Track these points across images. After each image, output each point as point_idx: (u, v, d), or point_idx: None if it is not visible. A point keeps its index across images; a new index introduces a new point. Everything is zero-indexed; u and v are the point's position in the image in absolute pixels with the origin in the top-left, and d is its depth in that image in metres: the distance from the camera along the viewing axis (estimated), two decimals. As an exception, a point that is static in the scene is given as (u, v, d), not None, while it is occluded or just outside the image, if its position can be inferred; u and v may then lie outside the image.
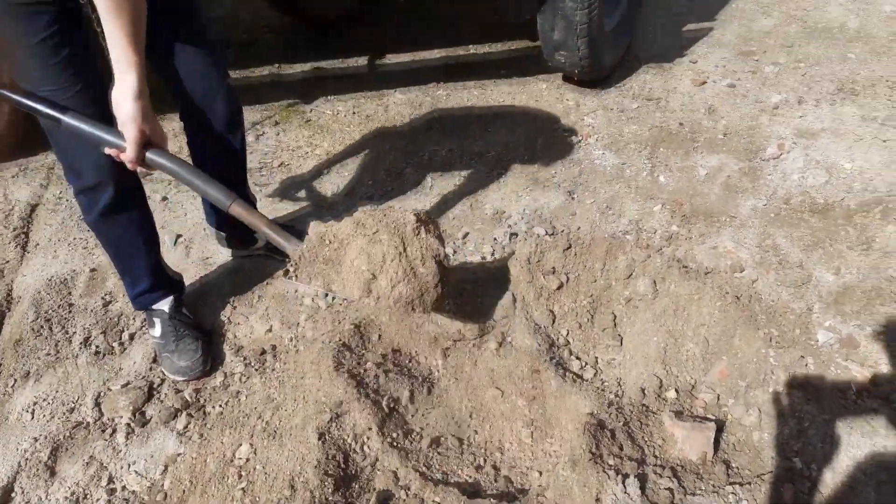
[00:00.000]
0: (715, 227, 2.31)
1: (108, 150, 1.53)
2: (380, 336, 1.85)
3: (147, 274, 1.90)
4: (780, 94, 2.97)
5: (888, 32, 3.36)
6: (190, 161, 2.04)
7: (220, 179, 2.06)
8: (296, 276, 1.62)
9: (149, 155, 1.51)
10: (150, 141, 1.51)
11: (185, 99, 1.80)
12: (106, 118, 1.54)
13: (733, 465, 1.55)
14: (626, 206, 2.44)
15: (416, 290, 1.59)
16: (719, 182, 2.51)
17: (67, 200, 2.55)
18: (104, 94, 1.51)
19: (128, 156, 1.49)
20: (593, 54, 2.87)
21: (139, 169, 1.55)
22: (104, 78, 1.56)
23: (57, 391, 1.86)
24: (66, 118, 1.49)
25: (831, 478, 1.52)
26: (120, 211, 1.75)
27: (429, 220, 1.68)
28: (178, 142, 2.81)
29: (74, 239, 2.38)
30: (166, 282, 1.97)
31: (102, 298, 2.14)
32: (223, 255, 2.29)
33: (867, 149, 2.59)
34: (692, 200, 2.44)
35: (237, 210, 1.60)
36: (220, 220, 2.18)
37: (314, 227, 1.64)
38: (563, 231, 2.32)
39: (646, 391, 1.70)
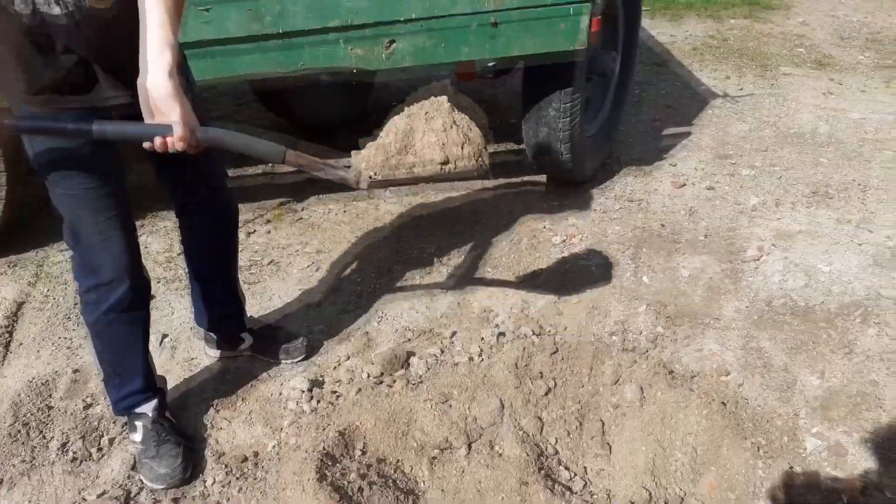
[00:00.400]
0: (699, 329, 2.34)
1: (152, 143, 1.44)
2: (365, 444, 1.83)
3: (138, 376, 1.88)
4: (758, 197, 3.07)
5: (857, 138, 3.52)
6: (184, 256, 2.09)
7: (210, 278, 2.11)
8: (381, 176, 1.80)
9: (199, 133, 1.45)
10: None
11: (184, 200, 1.85)
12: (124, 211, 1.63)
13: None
14: (612, 306, 2.47)
15: (476, 149, 2.05)
16: (702, 283, 2.56)
17: (54, 299, 2.55)
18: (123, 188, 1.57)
19: (180, 133, 1.41)
20: (576, 159, 2.97)
21: (188, 148, 1.46)
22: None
23: (30, 501, 1.80)
24: (94, 126, 1.43)
25: None
26: (127, 310, 1.76)
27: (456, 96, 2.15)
28: (168, 238, 2.85)
29: (59, 339, 2.36)
30: (153, 384, 1.95)
31: (83, 401, 2.10)
32: (209, 356, 2.27)
33: (844, 252, 2.66)
34: (676, 301, 2.47)
35: (291, 157, 1.55)
36: (211, 320, 2.19)
37: (365, 147, 1.96)
38: (550, 331, 2.34)
39: (635, 504, 1.68)
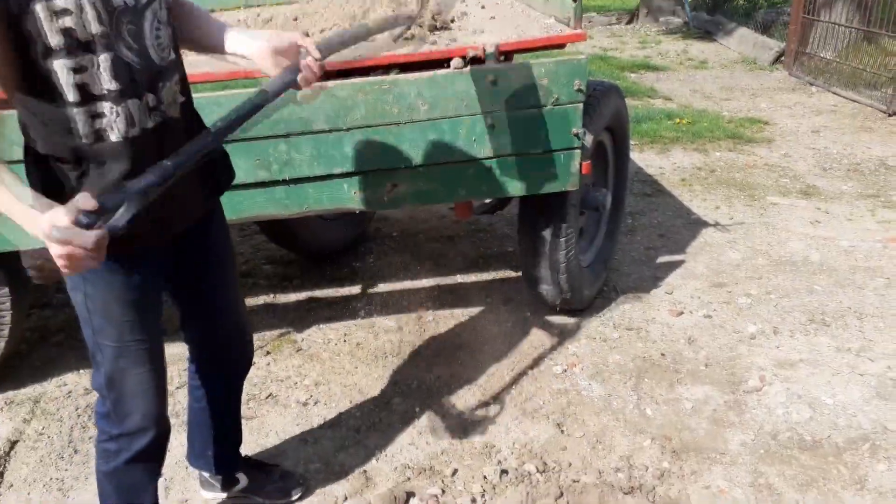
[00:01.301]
0: (706, 464, 2.29)
1: (299, 77, 1.47)
2: None
3: None
4: (756, 325, 3.10)
5: (848, 265, 3.60)
6: (190, 392, 2.07)
7: (220, 414, 2.09)
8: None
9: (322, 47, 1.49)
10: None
11: (203, 338, 1.89)
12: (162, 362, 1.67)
13: None
14: (616, 440, 2.43)
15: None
16: (706, 416, 2.53)
17: (48, 437, 2.51)
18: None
19: (317, 53, 1.47)
20: (573, 288, 3.03)
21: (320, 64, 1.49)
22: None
23: None
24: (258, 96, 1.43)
25: None
26: (147, 459, 1.74)
27: None
28: (175, 368, 2.84)
29: (50, 479, 2.30)
30: None
31: (71, 548, 2.03)
32: (203, 496, 2.21)
33: (846, 383, 2.65)
34: (681, 435, 2.44)
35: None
36: (207, 460, 2.15)
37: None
38: (554, 468, 2.28)
39: None
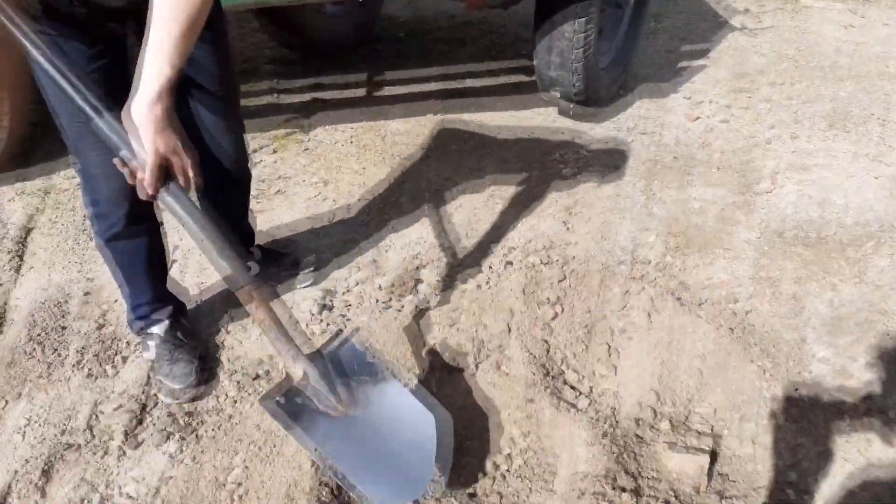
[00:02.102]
0: (709, 258, 2.32)
1: (119, 164, 1.33)
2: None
3: (148, 298, 1.90)
4: (773, 130, 3.02)
5: (878, 71, 3.43)
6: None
7: (223, 215, 2.10)
8: None
9: (162, 193, 1.31)
10: (171, 167, 1.31)
11: (196, 137, 1.83)
12: None
13: (727, 495, 1.54)
14: (621, 235, 2.45)
15: None
16: (713, 214, 2.54)
17: (63, 224, 2.56)
18: None
19: (145, 179, 1.29)
20: (588, 89, 2.92)
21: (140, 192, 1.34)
22: None
23: (48, 413, 1.84)
24: (96, 118, 1.33)
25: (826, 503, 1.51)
26: (128, 238, 1.76)
27: None
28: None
29: (69, 262, 2.38)
30: (166, 304, 1.96)
31: (96, 322, 2.13)
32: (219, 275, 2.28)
33: (859, 185, 2.62)
34: (686, 231, 2.45)
35: (244, 295, 1.42)
36: None
37: None
38: (557, 261, 2.33)
39: (640, 422, 1.70)
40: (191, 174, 1.33)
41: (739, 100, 3.26)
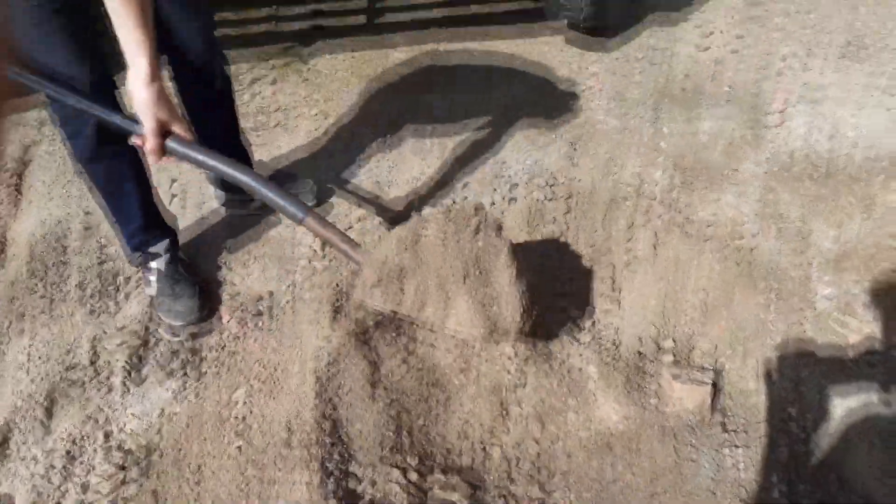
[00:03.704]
0: (716, 188, 2.29)
1: (132, 140, 1.49)
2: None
3: (139, 214, 1.87)
4: (788, 47, 2.93)
5: (896, -2, 3.30)
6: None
7: (214, 134, 2.06)
8: (374, 303, 1.50)
9: (169, 143, 1.45)
10: (170, 129, 1.45)
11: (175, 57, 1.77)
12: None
13: (730, 416, 1.56)
14: (629, 159, 2.41)
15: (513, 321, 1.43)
16: (723, 138, 2.49)
17: (60, 156, 2.52)
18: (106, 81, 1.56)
19: (147, 145, 1.44)
20: (597, 15, 2.82)
21: (164, 161, 1.49)
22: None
23: (53, 344, 1.85)
24: (81, 105, 1.47)
25: (826, 438, 1.53)
26: (104, 158, 1.72)
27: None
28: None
29: (68, 195, 2.35)
30: (160, 224, 1.94)
31: (97, 257, 2.12)
32: (219, 206, 2.26)
33: (870, 116, 2.56)
34: (695, 155, 2.42)
35: (311, 222, 1.49)
36: (220, 179, 2.16)
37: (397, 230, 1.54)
38: (563, 183, 2.30)
39: (643, 341, 1.70)
40: (187, 132, 1.48)
41: (752, 29, 3.15)
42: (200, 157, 1.47)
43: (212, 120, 1.98)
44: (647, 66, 2.94)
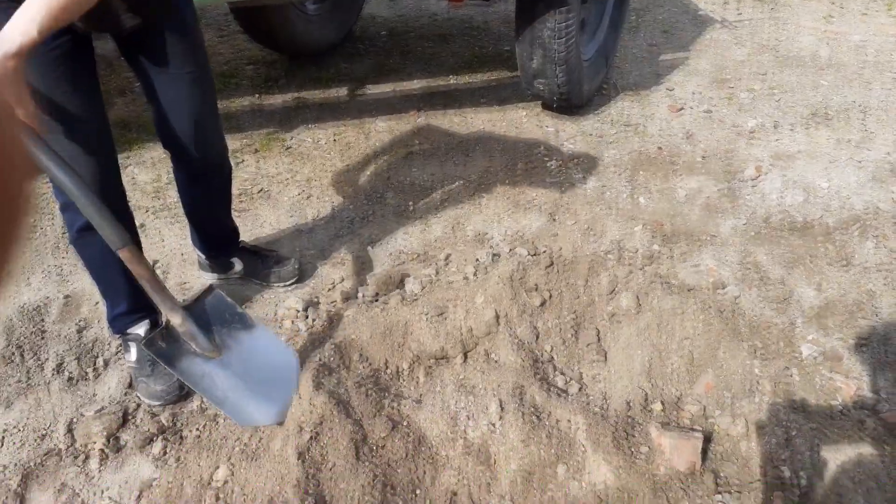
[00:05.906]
0: (696, 247, 2.32)
1: None
2: (361, 355, 1.82)
3: (125, 296, 1.86)
4: (756, 120, 3.02)
5: (858, 61, 3.45)
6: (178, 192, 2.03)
7: (204, 219, 2.08)
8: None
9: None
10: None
11: (169, 129, 1.78)
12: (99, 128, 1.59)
13: (721, 474, 1.52)
14: (608, 227, 2.44)
15: None
16: (699, 203, 2.53)
17: (42, 228, 2.51)
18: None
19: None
20: (571, 82, 2.91)
21: None
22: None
23: (28, 418, 1.79)
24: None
25: (820, 486, 1.49)
26: (95, 231, 1.71)
27: None
28: (156, 170, 2.80)
29: (48, 266, 2.33)
30: (144, 305, 1.92)
31: (77, 325, 2.08)
32: (200, 281, 2.25)
33: (842, 169, 2.63)
34: (673, 221, 2.45)
35: (126, 255, 1.49)
36: (205, 246, 2.17)
37: None
38: (545, 251, 2.31)
39: (631, 404, 1.67)
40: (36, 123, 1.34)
41: (722, 91, 3.27)
42: (40, 156, 1.33)
43: (205, 196, 2.01)
44: (623, 128, 3.03)
